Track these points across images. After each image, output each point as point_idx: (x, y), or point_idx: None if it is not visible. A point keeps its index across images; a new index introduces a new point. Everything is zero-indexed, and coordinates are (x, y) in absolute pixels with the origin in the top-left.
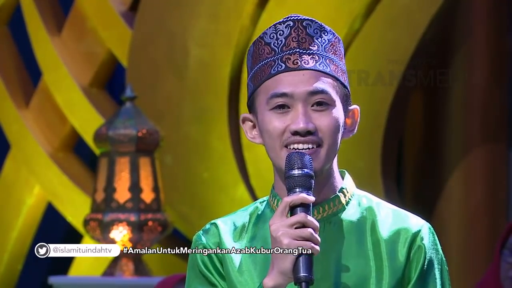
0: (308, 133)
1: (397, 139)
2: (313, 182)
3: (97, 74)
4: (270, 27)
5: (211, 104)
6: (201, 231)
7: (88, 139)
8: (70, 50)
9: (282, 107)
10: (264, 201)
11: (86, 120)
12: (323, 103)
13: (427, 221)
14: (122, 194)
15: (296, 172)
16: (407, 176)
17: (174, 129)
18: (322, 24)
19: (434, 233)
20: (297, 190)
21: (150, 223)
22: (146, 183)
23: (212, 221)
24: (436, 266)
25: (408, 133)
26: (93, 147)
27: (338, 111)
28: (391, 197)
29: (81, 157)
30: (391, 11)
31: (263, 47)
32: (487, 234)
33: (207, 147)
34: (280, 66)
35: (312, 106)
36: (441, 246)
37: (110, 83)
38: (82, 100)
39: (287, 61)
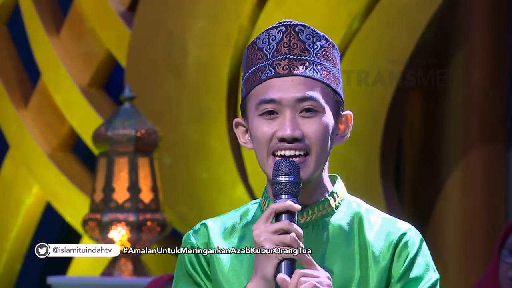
0: (295, 140)
1: (396, 139)
2: (299, 189)
3: (96, 74)
4: (263, 32)
5: (209, 104)
6: (191, 231)
7: (87, 139)
8: (69, 50)
9: (271, 113)
10: (256, 203)
11: (85, 120)
12: (311, 109)
13: (425, 222)
14: (121, 194)
15: (282, 178)
16: (406, 176)
17: (172, 129)
18: (315, 29)
19: (423, 239)
20: (283, 196)
21: (148, 223)
22: (144, 183)
23: (202, 222)
24: (421, 268)
25: (408, 133)
26: (91, 147)
27: (327, 118)
28: (389, 197)
29: (79, 157)
30: (390, 11)
31: (256, 52)
32: (486, 234)
33: (205, 147)
34: (270, 72)
35: (301, 112)
36: (438, 247)
37: (109, 83)
38: (81, 100)
39: (277, 67)
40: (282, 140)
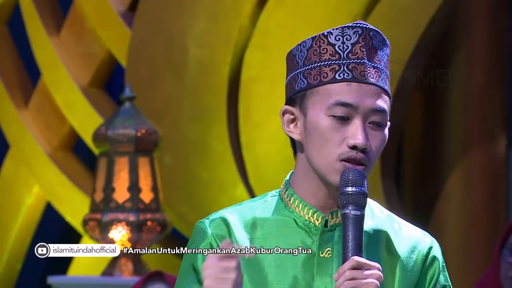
0: (364, 150)
1: (397, 139)
2: (366, 200)
3: (96, 74)
4: (336, 29)
5: (210, 104)
6: (206, 221)
7: (87, 139)
8: (69, 50)
9: (343, 118)
10: (275, 195)
11: (85, 120)
12: (379, 123)
13: (426, 222)
14: (121, 194)
15: (350, 189)
16: (406, 176)
17: (173, 129)
18: (384, 36)
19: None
20: (350, 207)
21: (149, 223)
22: (145, 183)
23: (220, 214)
24: (444, 282)
25: (408, 133)
26: (92, 147)
27: (386, 132)
28: (390, 196)
29: (80, 157)
30: (391, 11)
31: (326, 46)
32: (487, 234)
33: (206, 147)
34: (346, 74)
35: (370, 123)
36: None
37: (109, 83)
38: (81, 100)
39: (354, 70)
40: (353, 147)
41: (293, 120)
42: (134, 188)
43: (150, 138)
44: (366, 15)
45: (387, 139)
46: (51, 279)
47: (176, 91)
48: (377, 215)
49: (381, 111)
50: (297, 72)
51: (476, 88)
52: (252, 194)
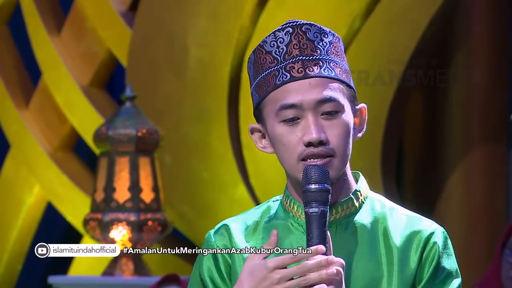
0: (321, 143)
1: (397, 139)
2: (330, 196)
3: (97, 74)
4: (269, 35)
5: (210, 104)
6: (212, 231)
7: (88, 139)
8: (70, 50)
9: (292, 119)
10: (277, 200)
11: (86, 120)
12: (332, 111)
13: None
14: (122, 193)
15: (313, 186)
16: (407, 176)
17: (173, 129)
18: (321, 26)
19: (448, 238)
20: (314, 204)
21: (149, 222)
22: (145, 183)
23: (224, 222)
24: (447, 271)
25: (408, 133)
26: (93, 146)
27: (347, 116)
28: (391, 197)
29: (81, 156)
30: (391, 11)
31: (264, 56)
32: (487, 234)
33: (206, 147)
34: (285, 76)
35: (322, 115)
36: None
37: (110, 83)
38: (82, 100)
39: (292, 70)
40: (309, 144)
41: (263, 136)
42: (134, 188)
43: (150, 138)
44: (366, 16)
45: (352, 121)
46: (52, 279)
47: (177, 91)
48: (376, 210)
49: (328, 99)
50: (252, 89)
51: (476, 88)
52: (252, 194)
